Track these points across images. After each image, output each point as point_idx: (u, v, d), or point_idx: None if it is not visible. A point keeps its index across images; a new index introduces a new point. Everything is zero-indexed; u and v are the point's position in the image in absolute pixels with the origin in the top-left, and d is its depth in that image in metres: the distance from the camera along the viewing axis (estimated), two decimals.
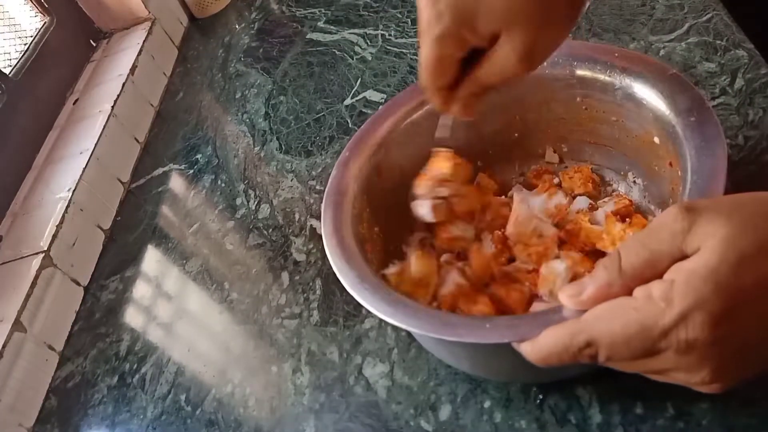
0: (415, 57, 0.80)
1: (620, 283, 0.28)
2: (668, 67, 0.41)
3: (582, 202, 0.48)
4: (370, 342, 0.52)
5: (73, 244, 0.73)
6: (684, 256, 0.27)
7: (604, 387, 0.41)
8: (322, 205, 0.45)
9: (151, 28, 1.02)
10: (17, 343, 0.61)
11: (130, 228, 0.78)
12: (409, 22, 0.86)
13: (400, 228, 0.49)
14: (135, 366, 0.61)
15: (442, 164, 0.45)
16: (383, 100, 0.76)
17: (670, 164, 0.41)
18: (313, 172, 0.71)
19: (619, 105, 0.44)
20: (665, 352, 0.27)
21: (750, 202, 0.27)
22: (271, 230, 0.67)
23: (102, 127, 0.83)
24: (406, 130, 0.50)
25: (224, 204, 0.74)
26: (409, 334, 0.51)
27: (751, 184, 0.30)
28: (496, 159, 0.54)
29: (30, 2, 0.93)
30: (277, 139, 0.79)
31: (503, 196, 0.52)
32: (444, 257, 0.47)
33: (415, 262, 0.45)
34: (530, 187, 0.52)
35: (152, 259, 0.72)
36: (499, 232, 0.47)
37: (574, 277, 0.41)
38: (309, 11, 1.00)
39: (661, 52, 0.62)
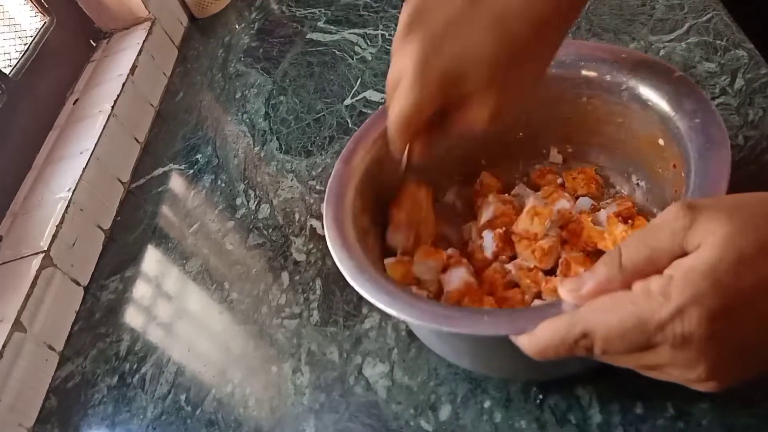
0: None
1: (620, 278, 0.28)
2: (674, 69, 0.41)
3: (585, 203, 0.48)
4: (370, 342, 0.52)
5: (73, 244, 0.73)
6: (684, 254, 0.27)
7: (604, 387, 0.41)
8: (325, 196, 0.45)
9: (151, 28, 1.02)
10: (17, 343, 0.61)
11: (130, 228, 0.78)
12: None
13: None
14: (135, 366, 0.61)
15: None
16: (383, 100, 0.76)
17: (674, 166, 0.41)
18: (313, 172, 0.71)
19: (625, 106, 0.44)
20: (661, 346, 0.27)
21: (752, 202, 0.27)
22: (271, 230, 0.67)
23: (102, 127, 0.83)
24: None
25: (224, 204, 0.74)
26: (409, 334, 0.51)
27: (751, 184, 0.30)
28: (500, 157, 0.54)
29: (30, 2, 0.93)
30: (277, 139, 0.79)
31: (506, 194, 0.52)
32: (449, 251, 0.48)
33: (390, 269, 0.45)
34: (533, 186, 0.52)
35: (152, 259, 0.72)
36: (500, 231, 0.47)
37: None
38: (309, 11, 1.00)
39: (661, 52, 0.62)
